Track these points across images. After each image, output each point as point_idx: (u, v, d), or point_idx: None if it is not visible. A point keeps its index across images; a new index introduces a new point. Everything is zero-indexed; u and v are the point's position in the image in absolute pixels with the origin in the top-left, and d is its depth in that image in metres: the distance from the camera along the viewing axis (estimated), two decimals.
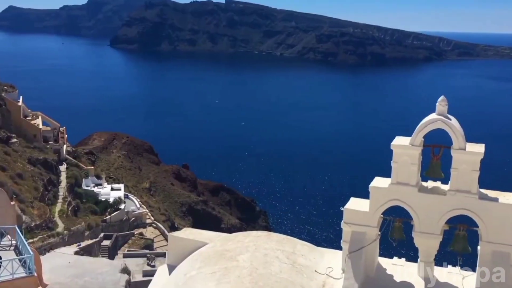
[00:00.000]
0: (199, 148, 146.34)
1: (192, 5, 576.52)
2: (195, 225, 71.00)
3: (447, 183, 9.15)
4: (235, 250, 10.00)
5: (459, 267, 9.78)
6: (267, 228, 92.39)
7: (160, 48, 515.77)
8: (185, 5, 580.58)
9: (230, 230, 72.08)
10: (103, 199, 62.70)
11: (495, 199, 8.74)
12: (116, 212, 58.77)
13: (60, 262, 29.24)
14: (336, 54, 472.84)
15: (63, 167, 67.32)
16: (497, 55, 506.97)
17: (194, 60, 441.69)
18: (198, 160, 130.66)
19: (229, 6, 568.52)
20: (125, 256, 48.27)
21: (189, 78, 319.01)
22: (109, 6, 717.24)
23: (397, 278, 9.54)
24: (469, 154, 8.77)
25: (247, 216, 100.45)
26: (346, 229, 9.58)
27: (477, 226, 8.88)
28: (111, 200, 61.92)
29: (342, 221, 9.62)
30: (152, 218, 64.51)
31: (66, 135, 77.90)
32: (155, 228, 61.45)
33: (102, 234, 51.07)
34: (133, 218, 61.00)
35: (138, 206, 65.51)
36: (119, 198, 62.75)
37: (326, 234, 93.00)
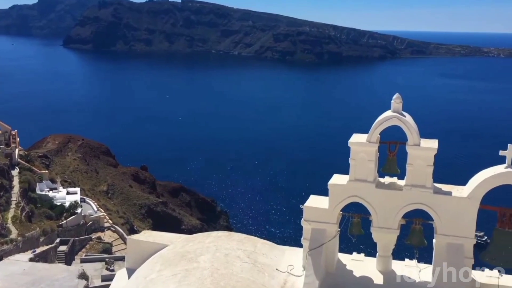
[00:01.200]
0: (157, 149, 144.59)
1: (147, 4, 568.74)
2: (155, 227, 70.08)
3: (403, 179, 9.34)
4: (196, 252, 9.91)
5: (416, 260, 10.03)
6: (228, 228, 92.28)
7: (115, 48, 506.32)
8: (140, 4, 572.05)
9: (191, 231, 71.57)
10: (58, 204, 61.04)
11: (449, 193, 8.99)
12: (73, 217, 57.40)
13: (15, 269, 28.32)
14: (293, 53, 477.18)
15: (15, 172, 65.12)
16: (449, 53, 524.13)
17: (150, 60, 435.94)
18: (157, 161, 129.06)
19: (185, 5, 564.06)
20: (82, 261, 47.23)
21: (145, 78, 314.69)
22: (61, 5, 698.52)
23: (357, 273, 9.69)
24: (423, 150, 8.98)
25: (208, 216, 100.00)
26: (306, 226, 9.64)
27: (432, 220, 9.11)
28: (67, 204, 60.38)
29: (302, 219, 9.68)
30: (111, 222, 63.32)
31: (18, 139, 75.38)
32: (113, 231, 60.36)
33: (58, 240, 49.76)
34: (90, 222, 59.72)
35: (96, 209, 64.16)
36: (76, 202, 61.26)
37: (286, 232, 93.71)
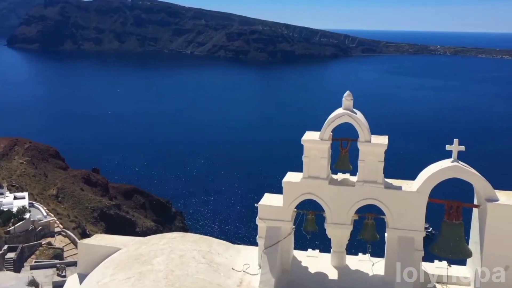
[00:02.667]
0: (109, 151, 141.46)
1: (96, 3, 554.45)
2: (109, 231, 68.61)
3: (355, 175, 9.50)
4: (150, 254, 9.73)
5: (369, 254, 10.24)
6: (184, 229, 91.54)
7: (63, 48, 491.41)
8: (88, 3, 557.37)
9: (145, 233, 70.50)
10: (5, 209, 58.76)
11: (399, 188, 9.21)
12: (21, 222, 55.43)
13: None
14: (247, 51, 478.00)
15: None
16: (398, 51, 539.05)
17: (100, 59, 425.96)
18: (109, 163, 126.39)
19: (135, 4, 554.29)
20: (32, 268, 45.74)
21: (95, 78, 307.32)
22: (5, 4, 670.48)
23: (312, 270, 9.79)
24: (374, 146, 9.15)
25: (162, 218, 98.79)
26: (261, 224, 9.66)
27: (384, 214, 9.31)
28: (14, 209, 58.22)
29: (257, 217, 9.69)
30: (61, 226, 61.53)
31: None
32: (64, 236, 58.71)
33: (6, 246, 47.99)
34: (40, 228, 57.84)
35: (45, 214, 62.21)
36: (24, 207, 59.17)
37: (242, 231, 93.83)
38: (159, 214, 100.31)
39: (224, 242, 10.93)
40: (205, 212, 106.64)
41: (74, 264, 42.83)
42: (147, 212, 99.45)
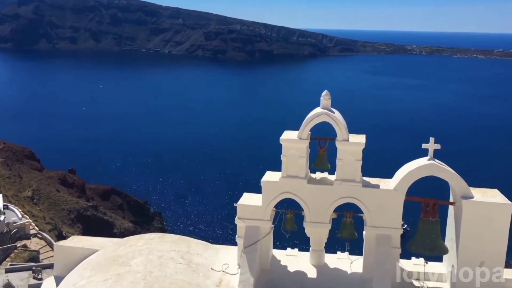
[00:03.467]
0: (85, 151, 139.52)
1: (71, 1, 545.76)
2: (86, 232, 67.71)
3: (334, 174, 9.56)
4: (128, 255, 9.63)
5: (348, 252, 10.32)
6: (163, 229, 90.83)
7: (37, 47, 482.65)
8: (64, 1, 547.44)
9: (123, 234, 69.74)
10: None
11: (377, 186, 9.30)
12: None
13: None
14: (225, 51, 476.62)
15: None
16: (375, 50, 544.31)
17: (76, 59, 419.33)
18: (86, 163, 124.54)
19: (111, 2, 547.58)
20: (7, 271, 44.86)
21: (70, 77, 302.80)
22: None
23: (291, 268, 9.81)
24: (352, 145, 9.23)
25: (141, 218, 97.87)
26: (240, 224, 9.65)
27: (362, 213, 9.39)
28: None
29: (236, 217, 9.68)
30: (37, 228, 60.44)
31: None
32: (40, 238, 57.70)
33: None
34: (14, 230, 56.72)
35: (20, 216, 61.01)
36: None
37: (221, 231, 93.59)
38: (137, 215, 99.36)
39: (203, 242, 10.89)
40: (184, 212, 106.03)
41: (50, 266, 42.14)
42: (125, 213, 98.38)
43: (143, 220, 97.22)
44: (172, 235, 11.20)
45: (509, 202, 8.64)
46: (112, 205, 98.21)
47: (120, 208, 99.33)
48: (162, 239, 10.52)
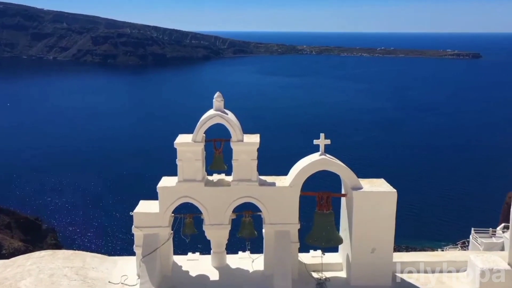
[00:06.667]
0: None
1: None
2: None
3: (231, 175, 9.60)
4: (16, 277, 8.92)
5: (249, 252, 10.42)
6: (57, 245, 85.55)
7: None
8: None
9: (13, 254, 64.60)
10: None
11: (273, 184, 9.49)
12: None
13: None
14: (115, 56, 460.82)
15: None
16: (268, 51, 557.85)
17: None
18: None
19: None
20: None
21: None
22: None
23: (193, 273, 9.71)
24: (246, 145, 9.33)
25: (32, 237, 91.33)
26: (138, 233, 9.37)
27: (260, 211, 9.53)
28: None
29: (133, 226, 9.38)
30: None
31: None
32: None
33: None
34: None
35: None
36: None
37: (119, 242, 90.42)
38: (28, 233, 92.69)
39: (99, 255, 10.41)
40: (79, 226, 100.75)
41: None
42: (13, 232, 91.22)
43: (35, 238, 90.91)
44: (65, 250, 10.57)
45: (394, 190, 9.24)
46: None
47: (8, 227, 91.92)
48: (53, 256, 9.88)
